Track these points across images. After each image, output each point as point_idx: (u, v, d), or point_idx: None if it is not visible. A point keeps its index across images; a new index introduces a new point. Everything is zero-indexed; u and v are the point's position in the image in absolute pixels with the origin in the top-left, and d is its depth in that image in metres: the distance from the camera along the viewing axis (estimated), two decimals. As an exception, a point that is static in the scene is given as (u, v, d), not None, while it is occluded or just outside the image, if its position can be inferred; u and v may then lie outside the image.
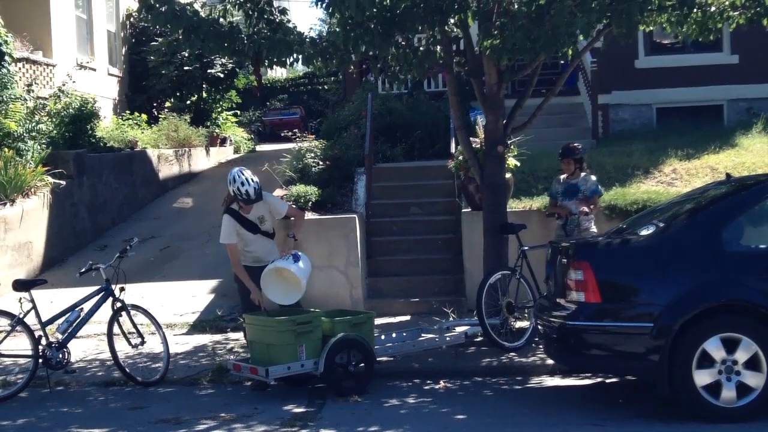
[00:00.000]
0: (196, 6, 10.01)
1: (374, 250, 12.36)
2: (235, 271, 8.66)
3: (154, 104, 24.34)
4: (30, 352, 8.44)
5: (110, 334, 8.76)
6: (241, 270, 8.56)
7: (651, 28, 10.32)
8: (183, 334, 10.80)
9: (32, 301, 8.50)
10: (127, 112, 21.18)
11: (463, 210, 11.87)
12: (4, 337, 8.47)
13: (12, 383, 8.59)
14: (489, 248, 10.04)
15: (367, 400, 7.91)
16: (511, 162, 11.11)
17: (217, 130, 24.97)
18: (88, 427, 7.37)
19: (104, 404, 8.20)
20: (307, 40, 9.54)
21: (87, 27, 21.21)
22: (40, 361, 8.42)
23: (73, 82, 17.34)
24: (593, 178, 10.22)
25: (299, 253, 8.58)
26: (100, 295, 8.89)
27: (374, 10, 8.76)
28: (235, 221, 8.57)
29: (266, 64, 9.67)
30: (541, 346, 8.82)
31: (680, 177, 12.62)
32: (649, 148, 13.85)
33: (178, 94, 24.84)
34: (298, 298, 8.59)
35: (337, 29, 9.15)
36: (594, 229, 9.95)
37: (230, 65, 24.84)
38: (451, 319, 10.31)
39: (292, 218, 9.12)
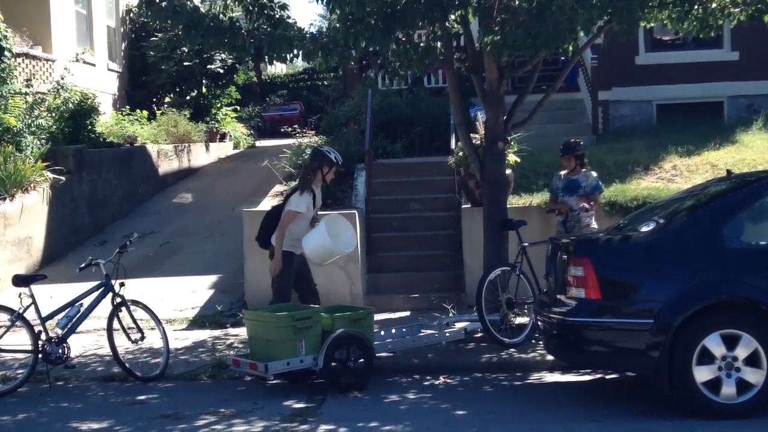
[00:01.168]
0: (196, 2, 9.99)
1: (374, 246, 12.35)
2: (279, 235, 8.74)
3: (154, 100, 24.32)
4: (30, 348, 8.43)
5: (110, 330, 8.76)
6: (281, 237, 8.71)
7: (652, 24, 10.34)
8: (183, 329, 10.80)
9: (32, 296, 8.49)
10: (127, 107, 21.16)
11: (463, 206, 11.87)
12: (4, 333, 8.46)
13: (12, 378, 8.59)
14: (489, 244, 10.04)
15: (366, 396, 7.92)
16: (512, 158, 11.11)
17: (216, 126, 24.97)
18: (87, 422, 7.37)
19: (104, 399, 8.20)
20: (308, 35, 9.54)
21: (87, 22, 21.18)
22: (40, 356, 8.41)
23: (72, 76, 17.32)
24: (594, 174, 10.22)
25: None
26: (100, 290, 8.88)
27: (374, 6, 8.76)
28: (311, 200, 8.83)
29: (266, 59, 9.67)
30: (540, 342, 8.82)
31: (680, 173, 12.62)
32: (650, 145, 13.84)
33: (177, 89, 24.82)
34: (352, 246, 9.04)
35: (338, 25, 9.15)
36: (594, 225, 9.95)
37: (230, 61, 24.82)
38: (450, 315, 10.31)
39: None
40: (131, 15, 23.90)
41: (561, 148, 10.20)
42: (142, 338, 8.97)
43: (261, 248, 9.25)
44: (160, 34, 22.18)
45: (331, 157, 8.96)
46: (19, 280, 8.75)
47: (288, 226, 8.76)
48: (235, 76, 26.55)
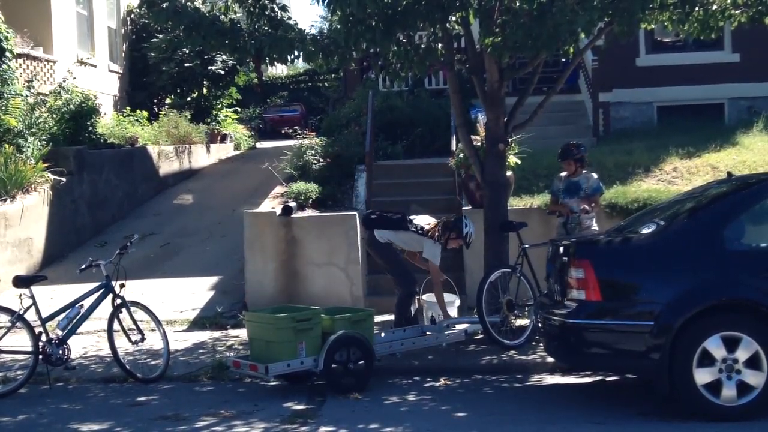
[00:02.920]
0: (197, 3, 9.99)
1: (374, 248, 12.32)
2: (438, 293, 9.53)
3: (155, 101, 24.33)
4: (30, 349, 8.43)
5: (110, 331, 8.75)
6: (440, 294, 9.52)
7: (652, 26, 10.34)
8: (183, 330, 10.80)
9: (32, 297, 8.49)
10: (128, 108, 21.16)
11: (463, 207, 11.86)
12: (4, 334, 8.46)
13: (12, 379, 8.59)
14: (489, 246, 10.04)
15: (367, 398, 7.91)
16: (512, 160, 11.10)
17: (217, 127, 24.96)
18: (88, 423, 7.36)
19: (104, 401, 8.20)
20: (308, 37, 9.54)
21: (87, 23, 21.19)
22: (40, 357, 8.41)
23: (74, 78, 17.33)
24: (594, 176, 10.21)
25: None
26: (101, 291, 8.89)
27: (375, 7, 8.75)
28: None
29: (267, 61, 9.68)
30: (541, 344, 8.82)
31: (681, 175, 12.61)
32: (650, 147, 13.84)
33: (178, 90, 24.83)
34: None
35: (338, 26, 9.15)
36: (595, 227, 9.95)
37: (231, 62, 24.83)
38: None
39: None
40: (132, 16, 23.91)
41: (559, 153, 10.18)
42: (143, 339, 8.97)
43: (366, 228, 9.87)
44: (161, 35, 22.18)
45: (464, 231, 9.55)
46: (20, 281, 8.75)
47: (438, 278, 9.56)
48: (235, 77, 26.54)
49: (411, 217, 9.77)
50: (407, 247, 9.75)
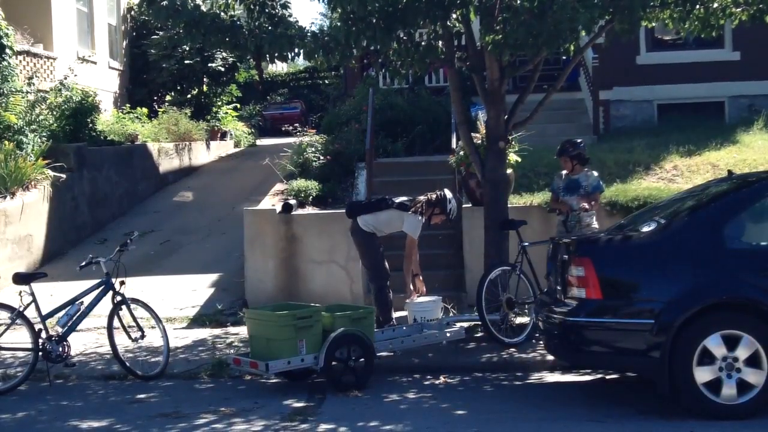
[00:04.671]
0: (197, 0, 9.98)
1: (375, 245, 12.31)
2: (412, 262, 9.53)
3: (155, 98, 24.33)
4: (30, 346, 8.43)
5: (110, 328, 8.76)
6: (409, 265, 9.52)
7: (653, 24, 10.34)
8: (183, 328, 10.80)
9: (32, 294, 8.49)
10: (128, 105, 21.17)
11: (463, 205, 11.84)
12: (4, 330, 8.46)
13: (12, 376, 8.59)
14: (489, 244, 10.04)
15: (367, 395, 7.92)
16: (512, 157, 11.10)
17: (217, 124, 24.96)
18: (87, 420, 7.36)
19: (104, 398, 8.20)
20: (309, 34, 9.53)
21: (88, 20, 21.19)
22: (40, 354, 8.41)
23: (74, 75, 17.33)
24: (595, 174, 10.21)
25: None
26: (101, 288, 8.89)
27: (376, 4, 8.76)
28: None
29: (267, 58, 9.67)
30: (541, 342, 8.82)
31: (681, 174, 12.61)
32: (650, 145, 13.84)
33: (178, 87, 24.84)
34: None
35: (339, 24, 9.15)
36: (595, 225, 9.95)
37: (231, 59, 24.83)
38: (451, 314, 10.31)
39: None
40: (132, 13, 23.92)
41: (557, 150, 10.20)
42: (143, 337, 8.97)
43: (348, 217, 9.79)
44: (161, 33, 22.20)
45: (447, 207, 9.54)
46: (20, 278, 8.75)
47: (414, 251, 9.52)
48: (236, 74, 26.56)
49: (393, 198, 9.71)
50: (388, 229, 9.64)
